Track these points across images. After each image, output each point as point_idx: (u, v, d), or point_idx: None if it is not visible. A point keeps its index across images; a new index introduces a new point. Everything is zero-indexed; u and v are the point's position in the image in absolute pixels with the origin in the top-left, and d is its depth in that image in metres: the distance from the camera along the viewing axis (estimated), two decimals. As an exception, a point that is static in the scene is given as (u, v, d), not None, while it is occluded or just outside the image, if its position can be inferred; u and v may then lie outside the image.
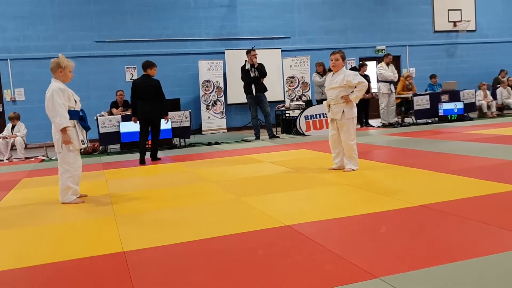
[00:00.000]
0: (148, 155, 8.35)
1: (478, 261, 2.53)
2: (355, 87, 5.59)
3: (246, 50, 11.16)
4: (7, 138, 10.36)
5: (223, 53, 14.76)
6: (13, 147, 10.40)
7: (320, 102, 11.64)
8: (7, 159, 10.10)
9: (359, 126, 12.59)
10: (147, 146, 8.40)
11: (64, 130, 4.79)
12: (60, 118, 4.74)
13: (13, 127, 10.59)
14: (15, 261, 3.10)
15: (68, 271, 2.85)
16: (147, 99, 7.99)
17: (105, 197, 5.14)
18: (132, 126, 10.02)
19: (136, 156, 9.21)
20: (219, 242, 3.20)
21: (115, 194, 5.25)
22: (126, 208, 4.50)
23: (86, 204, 4.85)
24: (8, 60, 13.35)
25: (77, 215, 4.42)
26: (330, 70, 6.10)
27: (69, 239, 3.63)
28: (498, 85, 14.34)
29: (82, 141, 4.98)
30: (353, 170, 5.61)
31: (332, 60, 5.72)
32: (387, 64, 12.36)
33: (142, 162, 7.91)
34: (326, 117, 6.09)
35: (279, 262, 2.73)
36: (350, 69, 10.72)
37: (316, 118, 11.16)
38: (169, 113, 10.22)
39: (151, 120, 8.10)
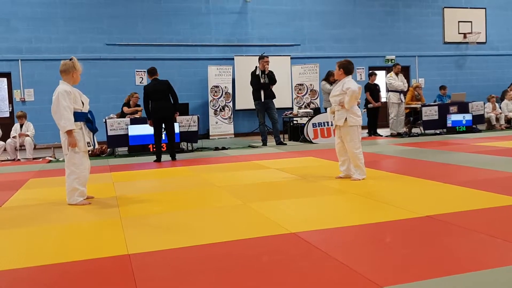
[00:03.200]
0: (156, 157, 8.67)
1: (483, 273, 2.51)
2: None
3: (258, 56, 11.24)
4: (18, 136, 10.41)
5: (233, 59, 14.81)
6: (21, 147, 10.46)
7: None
8: (17, 159, 10.18)
9: (367, 135, 12.58)
10: (162, 148, 8.91)
11: (69, 133, 4.82)
12: (64, 121, 4.77)
13: (21, 126, 10.65)
14: (20, 261, 3.12)
15: (73, 272, 2.86)
16: (158, 100, 8.52)
17: (112, 199, 5.15)
18: (140, 130, 10.09)
19: (143, 159, 9.27)
20: (224, 247, 3.20)
21: (121, 197, 5.27)
22: (132, 211, 4.52)
23: (92, 205, 4.87)
24: (19, 60, 13.47)
25: (83, 216, 4.43)
26: None
27: (75, 240, 3.65)
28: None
29: (88, 143, 5.00)
30: (359, 179, 5.60)
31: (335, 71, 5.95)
32: (396, 74, 12.37)
33: (158, 160, 8.61)
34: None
35: (283, 269, 2.73)
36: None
37: (324, 125, 11.15)
38: (177, 117, 10.32)
39: (164, 120, 8.58)
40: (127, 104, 11.34)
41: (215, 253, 3.08)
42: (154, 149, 10.08)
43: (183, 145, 10.70)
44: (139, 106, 11.42)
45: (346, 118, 5.65)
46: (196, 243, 3.30)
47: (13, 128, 10.80)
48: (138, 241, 3.43)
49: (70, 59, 5.00)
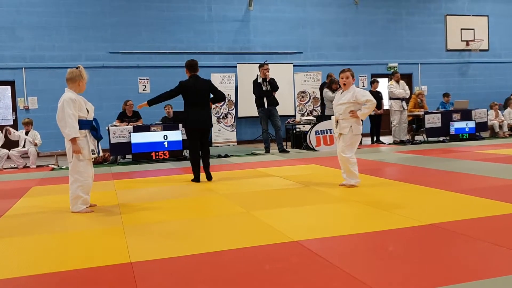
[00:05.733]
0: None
1: (487, 282, 2.49)
2: (364, 104, 5.63)
3: (258, 64, 11.22)
4: (27, 141, 10.47)
5: (235, 66, 14.85)
6: (24, 155, 10.48)
7: (330, 117, 11.61)
8: (27, 166, 10.24)
9: (369, 142, 12.57)
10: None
11: (73, 140, 4.83)
12: (69, 129, 4.78)
13: (26, 133, 10.69)
14: (22, 269, 3.11)
15: (75, 281, 2.85)
16: (199, 105, 6.78)
17: (114, 207, 5.15)
18: (143, 137, 10.10)
19: (146, 167, 9.26)
20: (226, 256, 3.19)
21: (124, 205, 5.27)
22: (135, 219, 4.51)
23: (95, 213, 4.87)
24: (23, 69, 13.53)
25: (86, 224, 4.43)
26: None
27: (77, 248, 3.64)
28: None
29: (92, 151, 5.01)
30: (355, 185, 5.59)
31: (343, 78, 5.73)
32: (397, 82, 12.38)
33: (197, 179, 6.84)
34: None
35: (286, 278, 2.72)
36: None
37: (327, 133, 11.15)
38: (180, 125, 10.35)
39: (202, 130, 6.87)
40: (123, 113, 11.37)
41: (217, 261, 3.07)
42: (157, 157, 10.12)
43: (186, 152, 10.70)
44: (136, 112, 11.44)
45: (351, 126, 5.64)
46: (199, 251, 3.30)
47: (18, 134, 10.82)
48: (140, 249, 3.42)
49: (77, 68, 5.01)
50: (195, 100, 6.73)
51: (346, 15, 16.21)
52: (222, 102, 11.61)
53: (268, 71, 10.71)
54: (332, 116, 6.00)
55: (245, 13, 15.30)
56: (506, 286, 2.45)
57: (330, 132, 11.08)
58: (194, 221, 4.35)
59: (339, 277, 2.68)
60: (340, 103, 5.74)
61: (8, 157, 10.37)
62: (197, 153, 6.87)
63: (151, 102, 6.75)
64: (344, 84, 5.73)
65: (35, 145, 10.51)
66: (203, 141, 6.93)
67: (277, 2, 15.61)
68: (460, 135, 12.34)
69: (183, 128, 6.93)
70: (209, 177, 6.91)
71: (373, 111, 12.35)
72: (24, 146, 10.54)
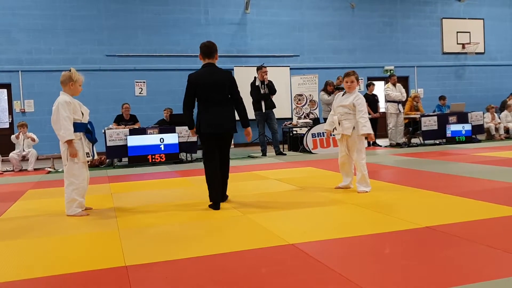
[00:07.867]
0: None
1: (483, 285, 2.49)
2: (359, 115, 5.56)
3: (256, 67, 11.21)
4: (22, 136, 10.45)
5: (232, 69, 14.84)
6: (24, 158, 10.46)
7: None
8: (23, 169, 10.24)
9: (366, 145, 12.57)
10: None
11: (69, 143, 4.82)
12: (64, 131, 4.77)
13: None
14: (17, 273, 3.09)
15: (70, 284, 2.84)
16: (215, 102, 5.14)
17: (110, 210, 5.13)
18: (139, 140, 10.08)
19: (142, 170, 9.22)
20: (222, 259, 3.18)
21: (119, 208, 5.25)
22: (130, 222, 4.49)
23: (91, 217, 4.85)
24: (19, 72, 13.52)
25: (81, 227, 4.41)
26: (336, 89, 6.09)
27: (72, 252, 3.62)
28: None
29: (87, 153, 5.00)
30: (366, 191, 5.50)
31: (347, 82, 5.67)
32: (394, 85, 12.40)
33: (216, 207, 4.93)
34: (333, 135, 6.02)
35: (282, 281, 2.71)
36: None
37: (323, 136, 11.15)
38: (176, 127, 10.31)
39: (220, 137, 5.20)
40: (120, 116, 11.38)
41: (213, 265, 3.06)
42: (153, 160, 10.09)
43: (182, 155, 10.69)
44: (133, 116, 11.43)
45: (354, 127, 5.59)
46: (194, 254, 3.28)
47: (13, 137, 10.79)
48: (135, 253, 3.41)
49: (69, 70, 5.02)
50: (209, 96, 5.08)
51: (342, 18, 16.25)
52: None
53: (266, 74, 10.69)
54: (333, 117, 5.81)
55: (241, 16, 15.33)
56: (502, 288, 2.45)
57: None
58: (190, 224, 4.34)
59: (335, 280, 2.68)
60: (341, 105, 5.69)
61: (2, 161, 10.35)
62: (214, 168, 5.07)
63: (190, 125, 5.29)
64: (349, 88, 5.68)
65: (33, 140, 10.47)
66: (223, 150, 5.28)
67: (274, 5, 15.65)
68: (457, 137, 12.37)
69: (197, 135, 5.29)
70: (222, 197, 5.21)
71: (370, 114, 12.41)
72: (23, 150, 10.50)
